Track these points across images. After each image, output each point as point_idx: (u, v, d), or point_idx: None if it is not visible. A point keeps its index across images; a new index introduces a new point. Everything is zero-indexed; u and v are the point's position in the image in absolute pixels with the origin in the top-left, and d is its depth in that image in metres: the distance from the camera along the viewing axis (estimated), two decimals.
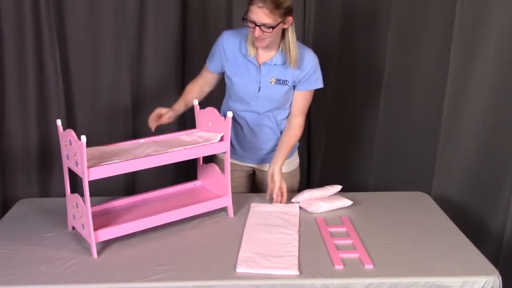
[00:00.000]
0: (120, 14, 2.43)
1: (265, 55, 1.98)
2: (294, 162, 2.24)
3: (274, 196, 2.04)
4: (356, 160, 2.77)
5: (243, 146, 2.15)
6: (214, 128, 1.92)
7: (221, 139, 1.88)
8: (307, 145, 2.94)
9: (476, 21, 2.23)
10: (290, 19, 1.87)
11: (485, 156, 2.36)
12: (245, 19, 1.85)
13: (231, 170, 2.09)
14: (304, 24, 2.68)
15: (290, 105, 2.09)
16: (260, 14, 1.80)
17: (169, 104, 2.59)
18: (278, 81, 2.00)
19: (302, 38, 2.73)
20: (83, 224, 1.68)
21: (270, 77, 2.00)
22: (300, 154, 2.31)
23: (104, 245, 1.72)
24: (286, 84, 2.01)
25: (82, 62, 2.47)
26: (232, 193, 1.96)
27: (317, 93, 2.88)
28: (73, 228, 1.82)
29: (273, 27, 1.82)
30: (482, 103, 2.31)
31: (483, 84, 2.28)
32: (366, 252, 1.69)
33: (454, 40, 2.25)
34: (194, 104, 2.03)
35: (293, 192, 2.26)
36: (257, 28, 1.82)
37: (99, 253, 1.67)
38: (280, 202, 2.04)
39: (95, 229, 1.66)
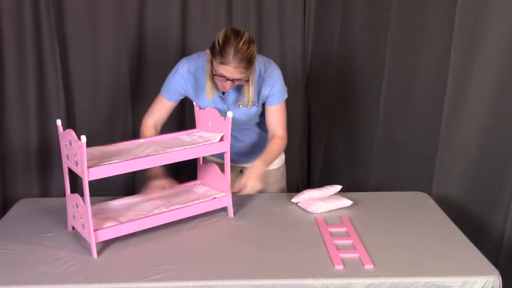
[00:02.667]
0: (120, 14, 2.44)
1: None
2: (281, 158, 2.26)
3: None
4: (356, 160, 2.77)
5: (233, 152, 2.14)
6: (214, 128, 1.92)
7: (221, 139, 1.88)
8: (307, 145, 2.94)
9: (476, 21, 2.22)
10: (254, 64, 1.85)
11: (485, 156, 2.36)
12: (215, 75, 1.81)
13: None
14: (304, 25, 2.69)
15: (266, 122, 2.05)
16: (235, 73, 1.77)
17: None
18: (246, 104, 1.98)
19: (302, 38, 2.74)
20: (83, 224, 1.68)
21: (236, 102, 1.98)
22: (300, 154, 2.31)
23: (104, 245, 1.72)
24: (254, 104, 1.99)
25: (82, 62, 2.47)
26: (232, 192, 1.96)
27: (317, 93, 2.89)
28: (73, 228, 1.82)
29: (247, 80, 1.83)
30: (482, 103, 2.30)
31: (483, 84, 2.28)
32: (366, 252, 1.69)
33: (454, 40, 2.25)
34: (194, 104, 2.03)
35: (282, 190, 2.27)
36: (229, 82, 1.81)
37: (99, 253, 1.67)
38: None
39: (95, 229, 1.66)
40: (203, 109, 1.99)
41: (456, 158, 2.39)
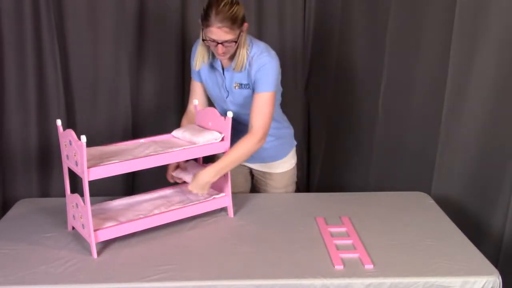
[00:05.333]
0: (120, 14, 2.44)
1: (226, 61, 1.97)
2: (290, 162, 2.22)
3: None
4: (356, 160, 2.77)
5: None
6: (214, 128, 1.92)
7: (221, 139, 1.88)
8: (307, 145, 2.94)
9: (476, 21, 2.22)
10: (245, 26, 1.87)
11: (485, 156, 2.36)
12: (204, 40, 1.84)
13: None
14: (304, 24, 2.69)
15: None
16: (221, 33, 1.79)
17: (168, 104, 2.61)
18: (241, 86, 1.98)
19: (302, 38, 2.74)
20: (83, 224, 1.68)
21: (233, 82, 1.98)
22: (299, 154, 2.31)
23: (104, 245, 1.72)
24: (248, 87, 1.98)
25: (82, 62, 2.47)
26: (232, 193, 1.96)
27: (316, 93, 2.89)
28: (73, 228, 1.82)
29: (236, 41, 1.83)
30: (482, 103, 2.31)
31: (483, 84, 2.28)
32: (366, 252, 1.69)
33: (454, 40, 2.25)
34: (194, 104, 2.03)
35: (288, 192, 2.26)
36: (219, 46, 1.82)
37: (99, 253, 1.67)
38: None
39: (95, 229, 1.66)
40: (203, 109, 1.99)
41: (456, 158, 2.39)
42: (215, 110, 1.92)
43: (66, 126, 2.33)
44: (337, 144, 2.82)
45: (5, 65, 2.37)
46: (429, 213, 2.03)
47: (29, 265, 1.60)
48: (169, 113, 2.64)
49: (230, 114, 1.84)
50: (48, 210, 1.99)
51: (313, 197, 2.14)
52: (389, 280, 1.55)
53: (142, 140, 1.92)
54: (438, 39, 2.34)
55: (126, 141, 1.92)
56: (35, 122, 2.45)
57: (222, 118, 1.87)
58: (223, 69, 1.98)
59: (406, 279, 1.56)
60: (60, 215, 1.89)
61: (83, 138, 1.55)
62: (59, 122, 1.72)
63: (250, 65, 1.92)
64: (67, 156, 1.70)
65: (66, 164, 1.73)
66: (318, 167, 2.89)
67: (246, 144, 1.89)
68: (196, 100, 2.03)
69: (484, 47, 2.24)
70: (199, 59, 1.97)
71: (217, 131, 1.88)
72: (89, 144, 1.59)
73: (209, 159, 2.08)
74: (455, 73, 2.29)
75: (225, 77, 1.98)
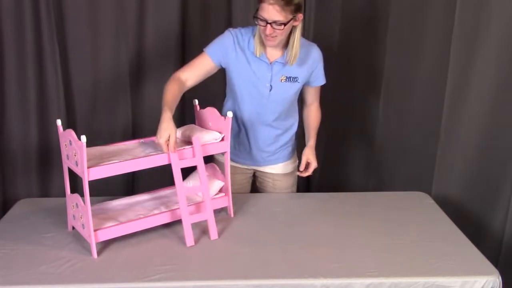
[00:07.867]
0: (120, 14, 2.43)
1: (274, 53, 1.97)
2: (296, 162, 2.25)
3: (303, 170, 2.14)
4: (356, 160, 2.77)
5: (244, 148, 2.14)
6: (214, 128, 1.92)
7: (221, 139, 1.88)
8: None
9: (476, 21, 2.23)
10: (300, 16, 1.86)
11: (485, 156, 2.36)
12: (255, 17, 1.84)
13: (233, 173, 2.08)
14: (304, 24, 2.68)
15: (303, 97, 2.17)
16: (272, 11, 1.79)
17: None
18: (289, 79, 1.99)
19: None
20: (83, 224, 1.68)
21: (280, 75, 1.98)
22: (299, 154, 2.31)
23: (104, 245, 1.72)
24: (296, 81, 2.00)
25: (82, 62, 2.47)
26: (233, 193, 1.96)
27: None
28: (73, 228, 1.82)
29: (284, 24, 1.81)
30: (482, 103, 2.31)
31: (483, 84, 2.29)
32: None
33: (454, 40, 2.25)
34: (194, 104, 2.03)
35: (292, 192, 2.27)
36: (268, 25, 1.81)
37: (99, 253, 1.67)
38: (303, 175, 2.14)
39: (95, 229, 1.66)
40: (204, 108, 1.98)
41: (456, 158, 2.40)
42: (215, 110, 1.92)
43: (66, 126, 2.33)
44: (337, 144, 2.83)
45: (5, 65, 2.37)
46: (429, 213, 2.03)
47: (29, 265, 1.60)
48: None
49: (230, 114, 1.84)
50: (48, 210, 1.99)
51: (313, 197, 2.14)
52: (389, 280, 1.55)
53: (142, 140, 1.92)
54: (438, 39, 2.34)
55: (126, 141, 1.92)
56: (35, 122, 2.45)
57: (222, 118, 1.87)
58: (269, 61, 1.97)
59: (406, 279, 1.56)
60: (60, 215, 1.89)
61: (83, 138, 1.55)
62: (59, 122, 1.72)
63: (302, 56, 1.98)
64: (67, 156, 1.70)
65: (66, 164, 1.73)
66: (319, 167, 2.89)
67: (319, 117, 2.22)
68: (196, 100, 2.03)
69: (484, 47, 2.24)
70: (258, 46, 1.93)
71: (217, 131, 1.88)
72: (89, 144, 1.59)
73: (209, 159, 2.08)
74: (455, 73, 2.30)
75: (272, 69, 1.97)
